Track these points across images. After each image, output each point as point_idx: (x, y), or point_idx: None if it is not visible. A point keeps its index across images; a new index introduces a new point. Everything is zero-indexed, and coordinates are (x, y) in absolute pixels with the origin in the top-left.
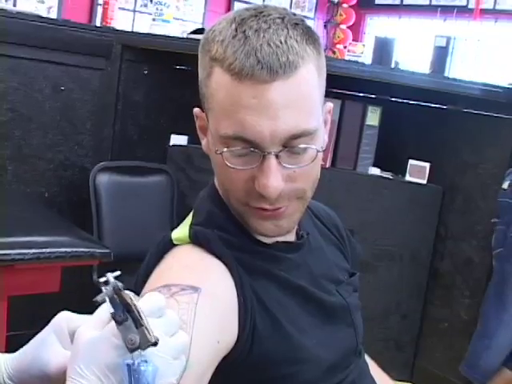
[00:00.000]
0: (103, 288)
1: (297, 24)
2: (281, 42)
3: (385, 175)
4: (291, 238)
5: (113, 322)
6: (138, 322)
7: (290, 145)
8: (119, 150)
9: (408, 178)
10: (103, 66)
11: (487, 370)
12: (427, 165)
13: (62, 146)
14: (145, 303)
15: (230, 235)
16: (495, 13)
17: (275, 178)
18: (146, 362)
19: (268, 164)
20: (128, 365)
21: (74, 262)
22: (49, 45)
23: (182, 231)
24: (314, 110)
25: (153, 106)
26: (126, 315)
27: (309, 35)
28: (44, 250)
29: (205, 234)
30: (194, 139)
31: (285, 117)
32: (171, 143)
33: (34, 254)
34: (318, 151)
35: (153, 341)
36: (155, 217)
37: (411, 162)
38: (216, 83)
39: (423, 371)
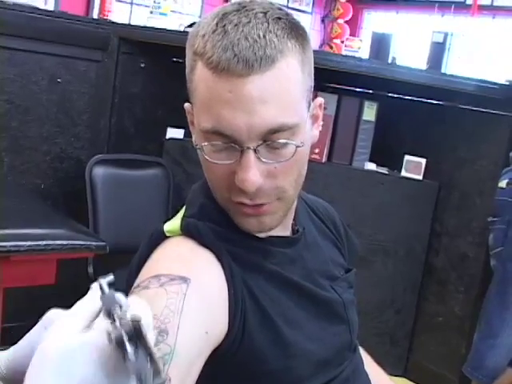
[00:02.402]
0: (118, 321)
1: (279, 18)
2: (259, 37)
3: (381, 170)
4: (286, 232)
5: (96, 330)
6: (151, 356)
7: (269, 139)
8: (115, 143)
9: (404, 173)
10: (100, 58)
11: (493, 370)
12: (423, 160)
13: (59, 137)
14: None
15: (222, 228)
16: (493, 9)
17: (253, 173)
18: None
19: (246, 159)
20: None
21: (69, 255)
22: (46, 37)
23: (174, 223)
24: (295, 105)
25: (149, 99)
26: (139, 347)
27: (291, 29)
28: (40, 242)
29: (196, 226)
30: (191, 132)
31: (261, 111)
32: (168, 136)
33: (29, 246)
34: (297, 146)
35: (164, 379)
36: (151, 210)
37: (407, 157)
38: (198, 77)
39: (417, 366)
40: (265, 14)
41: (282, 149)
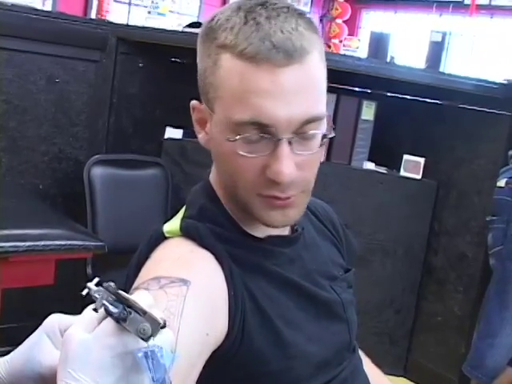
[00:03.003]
0: (96, 294)
1: (301, 14)
2: (292, 29)
3: (379, 170)
4: (285, 231)
5: (104, 324)
6: (142, 311)
7: (301, 131)
8: (114, 143)
9: (403, 172)
10: (98, 58)
11: (493, 369)
12: (422, 160)
13: (57, 138)
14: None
15: (222, 229)
16: (491, 9)
17: (288, 165)
18: (158, 347)
19: (281, 150)
20: (145, 353)
21: (68, 255)
22: (44, 37)
23: (173, 224)
24: (322, 97)
25: (148, 99)
26: (128, 310)
27: (313, 25)
28: (38, 243)
29: (196, 227)
30: (189, 132)
31: (298, 102)
32: (166, 136)
33: (28, 246)
34: (325, 136)
35: (162, 322)
36: (149, 210)
37: (406, 156)
38: (226, 70)
39: (416, 366)
40: (288, 8)
41: (311, 140)
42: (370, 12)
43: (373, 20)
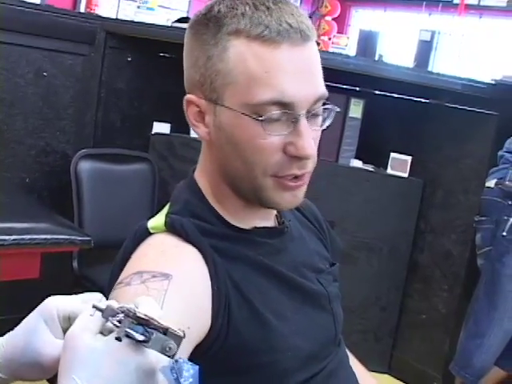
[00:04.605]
0: (116, 322)
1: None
2: (298, 13)
3: (366, 168)
4: (271, 223)
5: (114, 334)
6: (163, 329)
7: (312, 108)
8: (101, 137)
9: (389, 170)
10: (87, 52)
11: (480, 368)
12: (409, 158)
13: (44, 131)
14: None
15: (206, 223)
16: (480, 8)
17: (309, 139)
18: (184, 361)
19: (303, 125)
20: (172, 368)
21: (54, 249)
22: (32, 30)
23: (158, 220)
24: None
25: (136, 94)
26: (149, 332)
27: None
28: (24, 237)
29: (181, 222)
30: (177, 127)
31: (312, 79)
32: (154, 131)
33: (14, 240)
34: (333, 111)
35: (182, 335)
36: (136, 205)
37: (393, 155)
38: (239, 54)
39: (401, 363)
40: None
41: (317, 118)
42: (359, 10)
43: (362, 18)
